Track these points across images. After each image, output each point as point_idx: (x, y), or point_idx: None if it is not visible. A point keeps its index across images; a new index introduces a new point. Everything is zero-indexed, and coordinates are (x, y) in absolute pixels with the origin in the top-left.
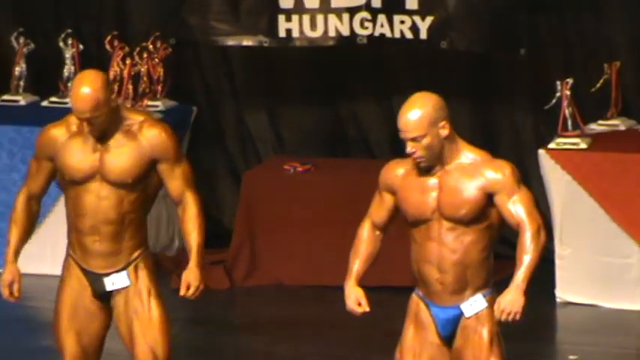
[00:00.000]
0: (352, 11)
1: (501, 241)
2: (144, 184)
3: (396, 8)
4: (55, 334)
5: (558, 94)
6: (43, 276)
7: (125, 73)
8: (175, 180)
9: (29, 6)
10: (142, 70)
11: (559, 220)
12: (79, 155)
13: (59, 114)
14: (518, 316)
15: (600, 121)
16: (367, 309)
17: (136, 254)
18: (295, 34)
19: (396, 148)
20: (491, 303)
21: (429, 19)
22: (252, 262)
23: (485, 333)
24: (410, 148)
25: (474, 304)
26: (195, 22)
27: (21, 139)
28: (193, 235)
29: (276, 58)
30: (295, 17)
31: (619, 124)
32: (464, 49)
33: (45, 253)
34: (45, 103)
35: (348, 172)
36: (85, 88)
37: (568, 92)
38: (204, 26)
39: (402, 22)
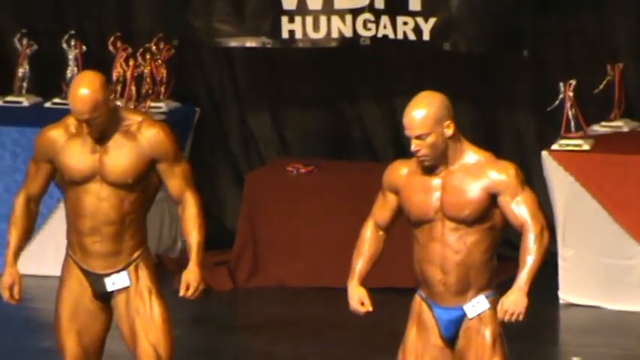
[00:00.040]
0: (355, 12)
1: (504, 243)
2: (144, 184)
3: (399, 9)
4: (55, 335)
5: (561, 96)
6: (45, 277)
7: (128, 74)
8: (175, 179)
9: (32, 7)
10: (145, 71)
11: (562, 221)
12: (78, 156)
13: (62, 115)
14: (521, 317)
15: (603, 123)
16: (370, 309)
17: (136, 254)
18: (298, 35)
19: (400, 150)
20: (494, 304)
21: (432, 21)
22: (254, 263)
23: (488, 334)
24: (414, 146)
25: (476, 306)
26: (199, 24)
27: (24, 140)
28: (193, 235)
29: (279, 59)
30: (298, 18)
31: (622, 125)
32: (467, 50)
33: (47, 254)
34: (48, 105)
35: (351, 174)
36: (84, 89)
37: (571, 94)
38: (208, 27)
39: (405, 23)
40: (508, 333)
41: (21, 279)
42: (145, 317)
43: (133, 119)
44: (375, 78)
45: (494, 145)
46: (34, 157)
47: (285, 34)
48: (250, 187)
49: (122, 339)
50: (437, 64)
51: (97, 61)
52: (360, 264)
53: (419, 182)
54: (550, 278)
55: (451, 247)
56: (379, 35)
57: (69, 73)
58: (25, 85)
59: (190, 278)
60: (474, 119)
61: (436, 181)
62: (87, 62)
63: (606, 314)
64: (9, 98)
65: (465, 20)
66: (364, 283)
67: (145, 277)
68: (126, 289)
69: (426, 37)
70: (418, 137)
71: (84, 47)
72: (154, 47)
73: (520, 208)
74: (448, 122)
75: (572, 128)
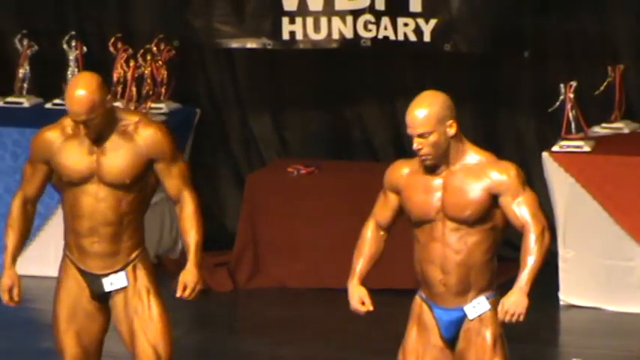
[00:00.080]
0: (356, 14)
1: (504, 244)
2: (141, 185)
3: (400, 11)
4: (54, 336)
5: (562, 97)
6: (46, 278)
7: (129, 75)
8: (172, 179)
9: (33, 8)
10: (146, 72)
11: (562, 222)
12: (75, 158)
13: (63, 116)
14: (521, 318)
15: (604, 124)
16: (371, 308)
17: (134, 254)
18: (299, 36)
19: (400, 150)
20: (495, 305)
21: (433, 22)
22: (255, 264)
23: (488, 335)
24: (416, 144)
25: (477, 307)
26: (199, 25)
27: (25, 141)
28: (191, 235)
29: (279, 60)
30: (299, 20)
31: (623, 126)
32: (467, 51)
33: (48, 255)
34: (49, 105)
35: (352, 175)
36: (80, 90)
37: (572, 95)
38: (208, 28)
39: (406, 24)
40: (508, 334)
41: (20, 281)
42: (144, 317)
43: (129, 119)
44: (375, 79)
45: (494, 146)
46: (30, 159)
47: (285, 35)
48: (251, 188)
49: (120, 339)
50: (437, 65)
51: (97, 62)
52: (360, 263)
53: (420, 182)
54: (550, 279)
55: (452, 248)
56: (380, 36)
57: (69, 74)
58: (25, 85)
59: (188, 279)
60: (474, 120)
61: (437, 181)
62: (87, 63)
63: (607, 315)
64: (9, 99)
65: (466, 21)
66: (364, 282)
67: (143, 277)
68: (124, 289)
69: (426, 38)
70: (420, 136)
71: (84, 48)
72: (154, 48)
73: (521, 209)
74: (451, 121)
75: (573, 129)
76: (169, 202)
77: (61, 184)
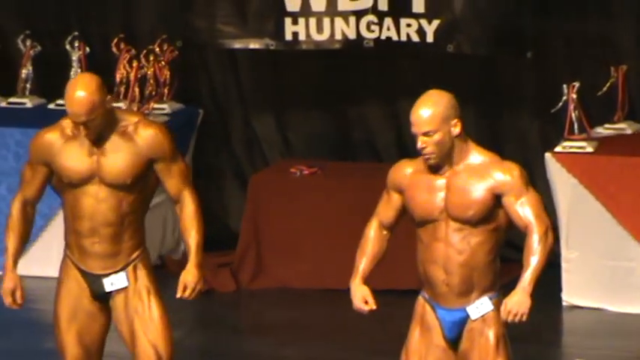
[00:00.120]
0: (359, 14)
1: (507, 245)
2: (142, 185)
3: (403, 11)
4: (55, 336)
5: (565, 98)
6: (49, 278)
7: (132, 75)
8: (172, 179)
9: (36, 8)
10: (149, 72)
11: (565, 223)
12: (76, 159)
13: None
14: (524, 318)
15: (607, 125)
16: (374, 307)
17: (135, 255)
18: (302, 37)
19: (403, 152)
20: (498, 306)
21: (436, 23)
22: (258, 264)
23: (491, 336)
24: (420, 143)
25: (480, 307)
26: (202, 25)
27: (27, 141)
28: (192, 235)
29: (282, 61)
30: (302, 20)
31: (625, 127)
32: (470, 52)
33: (50, 256)
34: (51, 106)
35: (355, 176)
36: (80, 91)
37: (574, 95)
38: (211, 29)
39: (409, 25)
40: (511, 334)
41: (22, 283)
42: (144, 317)
43: (129, 120)
44: (378, 80)
45: (497, 146)
46: (29, 161)
47: (288, 36)
48: (254, 188)
49: (121, 339)
50: (440, 66)
51: (100, 62)
52: (363, 263)
53: (423, 182)
54: (553, 280)
55: (455, 248)
56: (383, 37)
57: (72, 75)
58: (28, 86)
59: (188, 279)
60: (477, 121)
61: (441, 181)
62: (90, 64)
63: (610, 316)
64: (12, 99)
65: (469, 22)
66: (367, 282)
67: (143, 277)
68: (124, 289)
69: (429, 38)
70: (425, 134)
71: (87, 49)
72: (157, 49)
73: (524, 209)
74: (455, 121)
75: (576, 130)
76: (172, 203)
77: (61, 185)
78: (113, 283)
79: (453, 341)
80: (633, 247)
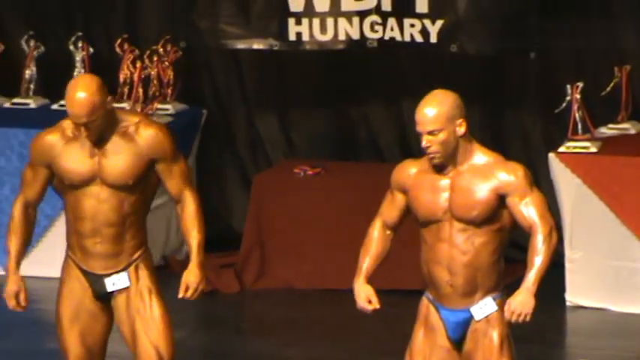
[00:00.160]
0: (362, 15)
1: (511, 245)
2: (143, 185)
3: (406, 12)
4: (58, 337)
5: (568, 98)
6: (52, 279)
7: (135, 76)
8: (173, 179)
9: (39, 9)
10: (152, 73)
11: (569, 223)
12: (77, 160)
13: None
14: (528, 318)
15: (610, 125)
16: (378, 306)
17: (136, 255)
18: (305, 37)
19: (406, 151)
20: (502, 306)
21: (439, 23)
22: (262, 265)
23: (495, 336)
24: (425, 142)
25: (484, 308)
26: (206, 26)
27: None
28: (193, 235)
29: (286, 61)
30: (305, 21)
31: (629, 127)
32: (474, 52)
33: (54, 256)
34: (55, 107)
35: (359, 176)
36: (81, 92)
37: (578, 96)
38: (215, 30)
39: (412, 25)
40: (515, 335)
41: (25, 285)
42: (145, 317)
43: (130, 120)
44: (381, 80)
45: (501, 146)
46: (30, 163)
47: (292, 36)
48: (257, 188)
49: (123, 339)
50: (444, 66)
51: (104, 63)
52: (366, 262)
53: (427, 182)
54: (557, 280)
55: (459, 248)
56: (386, 37)
57: (76, 75)
58: (32, 86)
59: (190, 280)
60: (481, 121)
61: (445, 182)
62: (94, 64)
63: (613, 316)
64: (16, 100)
65: (472, 22)
66: (371, 281)
67: (145, 278)
68: (126, 289)
69: (433, 39)
70: (430, 133)
71: (91, 49)
72: (160, 49)
73: (529, 209)
74: (460, 121)
75: (580, 130)
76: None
77: (62, 186)
78: (115, 283)
79: (457, 342)
80: (637, 247)
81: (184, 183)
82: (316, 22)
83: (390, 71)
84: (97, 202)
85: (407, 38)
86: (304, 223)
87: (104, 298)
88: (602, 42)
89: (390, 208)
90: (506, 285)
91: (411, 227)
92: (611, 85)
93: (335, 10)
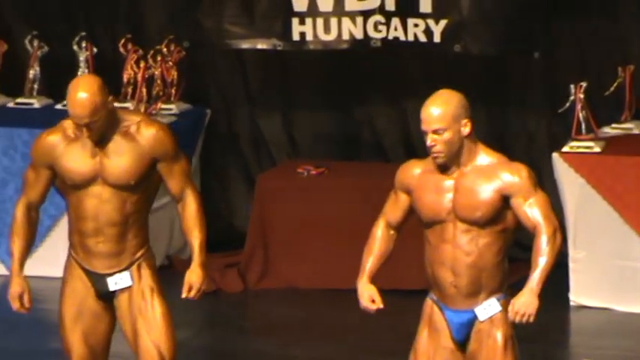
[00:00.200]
0: (366, 14)
1: (514, 244)
2: (145, 185)
3: (410, 11)
4: (61, 336)
5: (572, 98)
6: (55, 278)
7: (139, 76)
8: (175, 178)
9: (43, 9)
10: (156, 73)
11: (573, 223)
12: (79, 161)
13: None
14: (532, 319)
15: (614, 125)
16: (381, 306)
17: (139, 254)
18: (309, 37)
19: (410, 151)
20: (506, 307)
21: (443, 23)
22: (265, 265)
23: (499, 337)
24: (430, 141)
25: (488, 308)
26: (210, 26)
27: None
28: (194, 234)
29: (290, 61)
30: (309, 20)
31: (633, 127)
32: (477, 52)
33: (57, 256)
34: (59, 106)
35: (362, 176)
36: (82, 93)
37: (582, 95)
38: (219, 29)
39: (416, 25)
40: (519, 335)
41: (29, 287)
42: (147, 316)
43: (131, 120)
44: (385, 80)
45: (505, 146)
46: (32, 164)
47: (296, 36)
48: (261, 188)
49: (125, 338)
50: (448, 66)
51: (107, 62)
52: (370, 262)
53: (431, 182)
54: (561, 280)
55: (462, 249)
56: (390, 37)
57: (80, 75)
58: (35, 86)
59: (193, 280)
60: (484, 121)
61: (448, 182)
62: (97, 64)
63: (617, 316)
64: (20, 100)
65: (476, 22)
66: (374, 281)
67: (147, 277)
68: (128, 288)
69: (436, 39)
70: (435, 132)
71: (95, 49)
72: (164, 49)
73: (532, 210)
74: (465, 121)
75: (583, 130)
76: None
77: (64, 187)
78: (117, 282)
79: (461, 342)
80: None
81: (185, 182)
82: (320, 21)
83: (393, 71)
84: (99, 202)
85: (410, 38)
86: (308, 222)
87: (107, 298)
88: (606, 42)
89: (394, 208)
90: (509, 284)
91: (414, 227)
92: (615, 85)
93: (339, 10)
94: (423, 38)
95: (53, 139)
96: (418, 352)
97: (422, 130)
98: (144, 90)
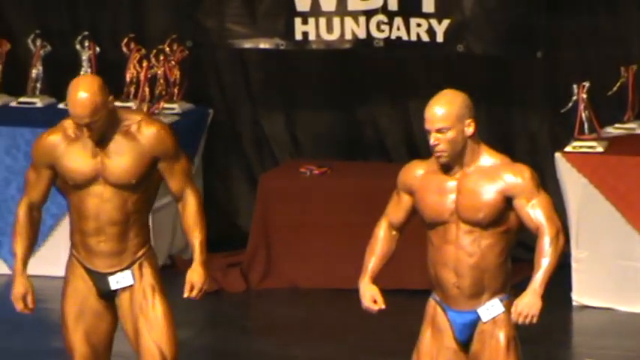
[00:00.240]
0: (369, 14)
1: (518, 245)
2: (146, 184)
3: (413, 11)
4: (63, 336)
5: (575, 98)
6: (58, 278)
7: (142, 75)
8: (175, 177)
9: (46, 8)
10: (159, 72)
11: (575, 223)
12: (79, 161)
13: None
14: (535, 320)
15: (617, 125)
16: (383, 306)
17: (140, 252)
18: (312, 37)
19: (413, 151)
20: (509, 307)
21: (446, 23)
22: (267, 264)
23: (502, 337)
24: (433, 140)
25: (490, 309)
26: (212, 25)
27: None
28: (195, 233)
29: (292, 61)
30: (312, 20)
31: (635, 127)
32: (480, 52)
33: (59, 255)
34: (61, 106)
35: (365, 175)
36: (82, 93)
37: (584, 95)
38: (221, 29)
39: (419, 25)
40: (521, 335)
41: (33, 287)
42: (148, 315)
43: (131, 119)
44: (388, 79)
45: (507, 146)
46: (33, 164)
47: (298, 36)
48: (263, 188)
49: (126, 337)
50: (450, 65)
51: (110, 62)
52: (372, 262)
53: (434, 183)
54: (563, 280)
55: (465, 250)
56: (392, 37)
57: (82, 74)
58: (38, 86)
59: (194, 279)
60: (487, 121)
61: (451, 183)
62: (100, 63)
63: (620, 316)
64: (22, 99)
65: (479, 22)
66: (377, 285)
67: (148, 276)
68: (130, 287)
69: (439, 38)
70: (438, 131)
71: (97, 48)
72: (167, 48)
73: (535, 211)
74: (469, 121)
75: (586, 130)
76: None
77: (65, 187)
78: (119, 281)
79: (464, 343)
80: None
81: (185, 181)
82: (323, 21)
83: (396, 71)
84: (101, 202)
85: (413, 38)
86: (310, 222)
87: (108, 297)
88: (609, 42)
89: (396, 209)
90: (513, 285)
91: (417, 227)
92: (618, 84)
93: (341, 10)
94: (425, 38)
95: (54, 139)
96: (421, 353)
97: (425, 129)
98: (146, 89)
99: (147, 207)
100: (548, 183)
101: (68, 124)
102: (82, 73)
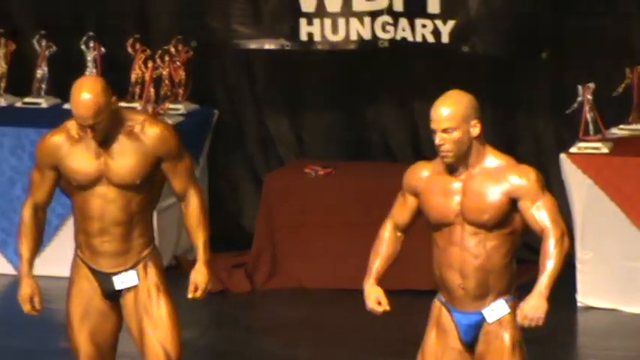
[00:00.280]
0: (374, 15)
1: (523, 246)
2: (150, 184)
3: (418, 12)
4: (68, 336)
5: (580, 99)
6: (63, 278)
7: (147, 76)
8: (178, 177)
9: (51, 8)
10: (164, 73)
11: (580, 224)
12: (83, 161)
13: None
14: (540, 322)
15: (622, 126)
16: (387, 308)
17: (145, 252)
18: (317, 37)
19: (418, 152)
20: (514, 308)
21: (451, 23)
22: (273, 265)
23: (507, 338)
24: (439, 139)
25: (496, 310)
26: (217, 26)
27: None
28: (198, 233)
29: (297, 61)
30: (317, 21)
31: None
32: (485, 53)
33: (65, 255)
34: (66, 106)
35: (370, 176)
36: (86, 94)
37: (589, 96)
38: (226, 29)
39: (424, 26)
40: (526, 336)
41: (39, 288)
42: (153, 315)
43: (135, 119)
44: (393, 80)
45: (512, 147)
46: (37, 165)
47: (303, 37)
48: (268, 188)
49: (131, 337)
50: (455, 66)
51: (115, 62)
52: (377, 263)
53: (439, 185)
54: (568, 281)
55: (470, 252)
56: (398, 38)
57: (87, 75)
58: (43, 86)
59: (198, 279)
60: (492, 122)
61: (456, 185)
62: (105, 64)
63: (625, 317)
64: (28, 99)
65: (484, 23)
66: (382, 286)
67: (153, 275)
68: (134, 287)
69: (444, 39)
70: (444, 131)
71: (102, 49)
72: (172, 49)
73: (540, 213)
74: (475, 121)
75: (591, 131)
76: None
77: (69, 187)
78: (123, 281)
79: (469, 344)
80: None
81: (189, 181)
82: (328, 22)
83: (401, 72)
84: (105, 202)
85: (418, 39)
86: (315, 222)
87: (113, 297)
88: (614, 43)
89: (402, 210)
90: (518, 286)
91: (422, 228)
92: (623, 85)
93: (346, 11)
94: (430, 39)
95: (57, 139)
96: (426, 353)
97: (431, 129)
98: (151, 90)
99: (151, 207)
100: (553, 184)
101: (71, 124)
102: (87, 73)
